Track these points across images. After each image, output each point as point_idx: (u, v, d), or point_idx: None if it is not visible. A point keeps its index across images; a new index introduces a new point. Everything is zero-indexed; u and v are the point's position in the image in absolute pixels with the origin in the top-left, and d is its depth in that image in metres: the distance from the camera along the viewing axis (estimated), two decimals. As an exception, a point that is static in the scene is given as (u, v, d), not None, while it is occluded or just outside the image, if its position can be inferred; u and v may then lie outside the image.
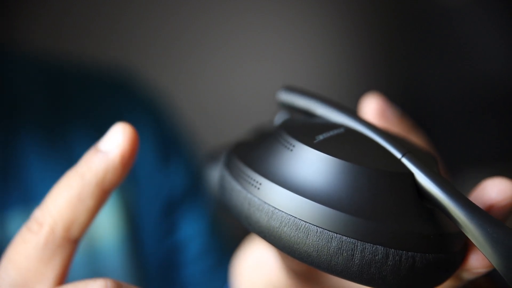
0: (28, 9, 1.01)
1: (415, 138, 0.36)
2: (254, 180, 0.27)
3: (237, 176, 0.28)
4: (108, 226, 0.57)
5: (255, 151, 0.29)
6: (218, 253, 0.64)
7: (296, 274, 0.34)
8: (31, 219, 0.30)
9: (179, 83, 1.13)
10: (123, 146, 0.30)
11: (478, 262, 0.27)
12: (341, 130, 0.29)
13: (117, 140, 0.30)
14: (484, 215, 0.25)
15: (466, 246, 0.28)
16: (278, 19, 1.25)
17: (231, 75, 1.22)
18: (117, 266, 0.57)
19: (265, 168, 0.28)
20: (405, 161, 0.27)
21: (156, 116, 0.66)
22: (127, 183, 0.60)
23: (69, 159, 0.57)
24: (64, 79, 0.63)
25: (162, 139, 0.64)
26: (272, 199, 0.27)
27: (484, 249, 0.25)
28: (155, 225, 0.61)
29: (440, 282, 0.27)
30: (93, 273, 0.55)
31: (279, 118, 0.34)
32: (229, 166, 0.29)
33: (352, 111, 0.30)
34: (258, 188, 0.27)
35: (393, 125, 0.35)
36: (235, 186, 0.28)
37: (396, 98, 1.32)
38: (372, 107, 0.35)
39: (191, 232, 0.63)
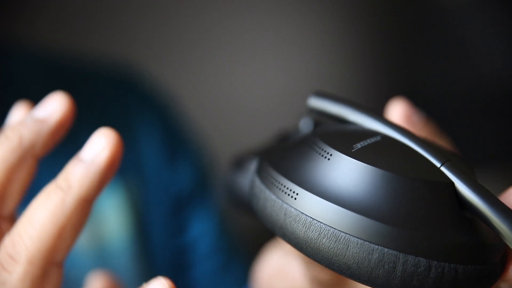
0: (32, 6, 1.01)
1: (442, 144, 0.35)
2: (290, 190, 0.27)
3: (271, 185, 0.28)
4: (116, 226, 0.57)
5: (289, 159, 0.28)
6: (227, 252, 0.63)
7: (320, 284, 0.34)
8: (2, 251, 0.27)
9: (185, 80, 1.13)
10: (108, 150, 0.29)
11: None
12: (378, 138, 0.28)
13: (101, 147, 0.29)
14: None
15: (505, 257, 0.27)
16: (284, 20, 1.25)
17: (238, 74, 1.22)
18: (126, 265, 0.56)
19: (301, 178, 0.27)
20: (444, 170, 0.27)
21: (163, 114, 0.66)
22: (134, 182, 0.59)
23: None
24: (69, 76, 0.63)
25: (169, 137, 0.64)
26: (310, 209, 0.26)
27: None
28: (163, 224, 0.61)
29: None
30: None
31: (304, 123, 0.34)
32: (262, 175, 0.29)
33: (386, 118, 0.30)
34: (295, 198, 0.26)
35: (419, 130, 0.35)
36: (269, 196, 0.27)
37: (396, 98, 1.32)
38: (398, 112, 0.34)
39: (200, 231, 0.62)
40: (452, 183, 0.26)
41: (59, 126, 0.30)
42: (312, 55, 1.29)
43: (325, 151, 0.27)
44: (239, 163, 0.38)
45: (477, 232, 0.26)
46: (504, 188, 0.29)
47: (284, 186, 0.27)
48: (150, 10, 1.13)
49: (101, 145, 0.29)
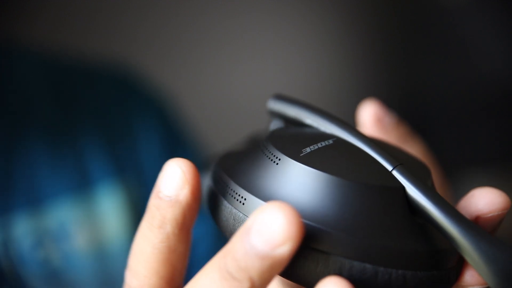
0: (32, 6, 1.01)
1: (412, 145, 0.35)
2: (239, 194, 0.26)
3: (223, 189, 0.27)
4: (116, 227, 0.57)
5: (241, 163, 0.28)
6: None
7: (291, 286, 0.34)
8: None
9: (185, 82, 1.13)
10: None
11: (473, 279, 0.26)
12: (330, 141, 0.28)
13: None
14: (479, 232, 0.24)
15: (461, 262, 0.27)
16: (284, 20, 1.25)
17: (237, 75, 1.22)
18: (125, 266, 0.57)
19: (250, 182, 0.26)
20: (396, 174, 0.26)
21: (163, 115, 0.66)
22: (134, 183, 0.60)
23: (76, 159, 0.57)
24: (70, 78, 0.63)
25: (168, 138, 0.64)
26: None
27: (478, 266, 0.24)
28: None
29: None
30: (103, 275, 0.55)
31: (274, 126, 0.33)
32: (216, 179, 0.28)
33: (342, 121, 0.29)
34: (243, 203, 0.26)
35: (390, 131, 0.35)
36: (220, 200, 0.27)
37: (396, 98, 1.33)
38: (369, 114, 0.34)
39: (199, 232, 0.63)
40: (403, 188, 0.26)
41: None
42: (312, 55, 1.29)
43: (274, 156, 0.27)
44: (206, 165, 0.37)
45: (428, 238, 0.26)
46: (504, 188, 0.29)
47: (233, 191, 0.27)
48: (149, 11, 1.13)
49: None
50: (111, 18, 1.09)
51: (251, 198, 0.26)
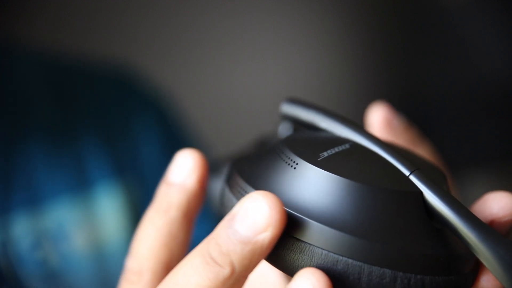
0: (32, 6, 1.01)
1: (421, 149, 0.35)
2: None
3: (238, 194, 0.27)
4: (115, 227, 0.57)
5: (257, 168, 0.28)
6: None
7: None
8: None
9: (184, 82, 1.13)
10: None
11: (489, 283, 0.27)
12: (347, 146, 0.28)
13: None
14: (496, 236, 0.24)
15: (477, 267, 0.27)
16: (284, 20, 1.25)
17: (237, 75, 1.22)
18: (124, 266, 0.56)
19: (266, 187, 0.26)
20: (413, 178, 0.26)
21: (162, 116, 0.66)
22: (133, 183, 0.60)
23: (76, 159, 0.57)
24: (70, 78, 0.63)
25: (168, 138, 0.64)
26: None
27: (495, 271, 0.24)
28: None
29: None
30: (101, 275, 0.55)
31: (283, 128, 0.34)
32: (230, 183, 0.28)
33: (358, 125, 0.29)
34: None
35: (400, 135, 0.34)
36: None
37: (396, 98, 1.33)
38: (378, 117, 0.34)
39: (199, 233, 0.62)
40: (421, 192, 0.26)
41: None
42: (313, 55, 1.29)
43: (291, 160, 0.27)
44: (213, 168, 0.37)
45: (445, 243, 0.26)
46: (504, 188, 0.29)
47: None
48: (149, 11, 1.13)
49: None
50: (111, 18, 1.09)
51: None
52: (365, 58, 1.34)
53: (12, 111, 0.57)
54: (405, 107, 1.35)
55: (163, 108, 0.67)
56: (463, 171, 1.22)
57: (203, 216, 0.63)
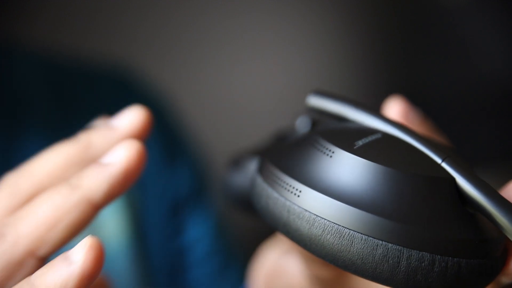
0: (32, 6, 1.01)
1: (441, 140, 0.35)
2: (293, 187, 0.27)
3: (274, 183, 0.28)
4: (113, 228, 0.57)
5: (291, 157, 0.28)
6: (224, 255, 0.63)
7: (321, 281, 0.34)
8: None
9: (184, 83, 1.13)
10: (130, 160, 0.28)
11: None
12: (379, 135, 0.29)
13: (122, 155, 0.28)
14: None
15: (506, 251, 0.28)
16: (284, 20, 1.25)
17: (237, 75, 1.22)
18: (123, 268, 0.56)
19: (303, 175, 0.27)
20: (445, 165, 0.27)
21: (161, 116, 0.65)
22: (132, 185, 0.59)
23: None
24: (69, 78, 0.63)
25: (167, 139, 0.64)
26: (313, 206, 0.26)
27: None
28: (161, 227, 0.61)
29: (483, 287, 0.27)
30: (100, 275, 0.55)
31: (301, 122, 0.34)
32: (264, 173, 0.29)
33: (385, 116, 0.30)
34: (298, 196, 0.27)
35: (416, 127, 0.35)
36: (272, 194, 0.28)
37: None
38: (395, 110, 0.34)
39: (197, 234, 0.62)
40: (453, 179, 0.27)
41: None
42: (312, 55, 1.29)
43: (327, 149, 0.27)
44: (236, 163, 0.38)
45: (479, 227, 0.27)
46: None
47: (287, 184, 0.27)
48: (149, 11, 1.13)
49: (123, 153, 0.28)
50: (110, 18, 1.09)
51: (306, 190, 0.27)
52: (365, 58, 1.34)
53: (11, 111, 0.57)
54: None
55: (162, 109, 0.66)
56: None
57: (198, 217, 0.63)
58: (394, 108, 0.34)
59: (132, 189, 0.59)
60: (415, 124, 0.34)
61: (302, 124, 0.33)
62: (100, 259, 0.26)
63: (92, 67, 0.66)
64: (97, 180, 0.27)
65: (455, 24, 1.31)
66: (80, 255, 0.26)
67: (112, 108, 0.62)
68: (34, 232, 0.27)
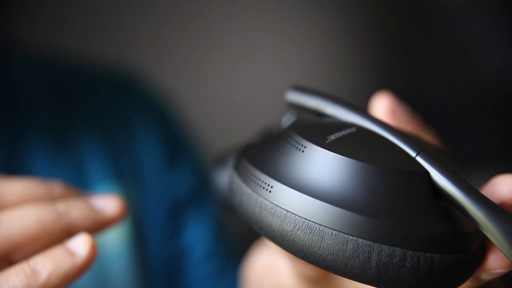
0: (32, 7, 1.01)
1: (427, 137, 0.35)
2: (265, 182, 0.27)
3: (247, 179, 0.28)
4: (113, 231, 0.57)
5: (265, 153, 0.28)
6: (223, 257, 0.63)
7: (308, 280, 0.34)
8: None
9: (185, 84, 1.13)
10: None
11: (497, 262, 0.27)
12: (353, 129, 0.28)
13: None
14: (504, 213, 0.24)
15: (484, 246, 0.27)
16: (284, 20, 1.25)
17: (237, 77, 1.22)
18: (122, 270, 0.56)
19: (276, 170, 0.27)
20: (420, 159, 0.27)
21: (163, 118, 0.65)
22: (132, 186, 0.59)
23: (75, 161, 0.56)
24: (70, 79, 0.63)
25: (168, 141, 0.63)
26: (284, 202, 0.26)
27: (503, 248, 0.24)
28: (160, 228, 0.61)
29: (459, 283, 0.26)
30: (99, 278, 0.55)
31: (287, 119, 0.34)
32: (239, 169, 0.29)
33: (363, 110, 0.30)
34: (270, 191, 0.26)
35: (404, 123, 0.34)
36: (245, 190, 0.27)
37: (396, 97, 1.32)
38: (382, 106, 0.34)
39: (196, 235, 0.62)
40: (427, 173, 0.26)
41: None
42: (312, 55, 1.29)
43: (299, 143, 0.27)
44: (220, 160, 0.38)
45: (453, 221, 0.26)
46: None
47: (259, 179, 0.27)
48: (149, 12, 1.13)
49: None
50: (111, 18, 1.09)
51: (278, 186, 0.26)
52: (365, 58, 1.34)
53: (12, 113, 0.57)
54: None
55: (163, 109, 0.66)
56: (463, 171, 1.22)
57: (197, 219, 0.63)
58: (381, 104, 0.34)
59: (132, 191, 0.59)
60: (403, 120, 0.34)
61: (287, 122, 0.33)
62: (95, 255, 0.31)
63: (93, 69, 0.65)
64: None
65: (455, 24, 1.31)
66: (84, 250, 0.30)
67: (113, 111, 0.62)
68: (16, 239, 0.31)
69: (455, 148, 1.34)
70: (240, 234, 0.70)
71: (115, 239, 0.57)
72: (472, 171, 1.25)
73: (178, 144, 0.64)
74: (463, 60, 1.32)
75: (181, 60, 1.16)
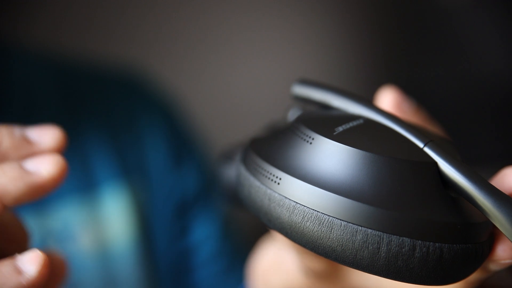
0: (36, 6, 1.01)
1: (434, 129, 0.35)
2: (274, 175, 0.27)
3: (255, 171, 0.28)
4: (120, 228, 0.57)
5: (273, 146, 0.28)
6: (230, 256, 0.63)
7: (315, 274, 0.34)
8: None
9: (191, 84, 1.13)
10: (54, 173, 0.30)
11: (506, 253, 0.27)
12: (360, 121, 0.28)
13: (50, 165, 0.30)
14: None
15: (492, 236, 0.27)
16: (287, 21, 1.25)
17: (242, 76, 1.22)
18: (129, 268, 0.56)
19: (284, 163, 0.27)
20: (427, 150, 0.27)
21: (169, 117, 0.65)
22: (139, 184, 0.59)
23: (82, 160, 0.56)
24: (77, 79, 0.63)
25: (174, 140, 0.63)
26: (293, 193, 0.26)
27: None
28: (167, 227, 0.61)
29: (468, 273, 0.26)
30: (106, 276, 0.55)
31: (293, 114, 0.34)
32: (246, 162, 0.29)
33: (370, 102, 0.30)
34: (278, 183, 0.26)
35: (410, 117, 0.35)
36: (253, 182, 0.27)
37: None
38: (388, 100, 0.34)
39: (203, 234, 0.62)
40: (435, 163, 0.26)
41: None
42: (313, 55, 1.29)
43: (307, 135, 0.27)
44: (227, 156, 0.38)
45: (462, 211, 0.26)
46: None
47: (267, 172, 0.27)
48: (156, 12, 1.13)
49: (50, 166, 0.30)
50: (116, 18, 1.09)
51: (286, 178, 0.26)
52: (365, 58, 1.34)
53: (19, 112, 0.57)
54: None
55: (169, 109, 0.66)
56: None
57: (204, 218, 0.63)
58: (387, 98, 0.34)
59: (139, 189, 0.59)
60: (409, 114, 0.34)
61: (293, 116, 0.33)
62: (47, 273, 0.28)
63: (100, 69, 0.65)
64: (15, 182, 0.29)
65: (455, 24, 1.31)
66: (33, 268, 0.27)
67: (119, 110, 0.62)
68: None
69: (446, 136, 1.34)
70: (247, 230, 0.70)
71: (123, 237, 0.57)
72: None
73: (184, 143, 0.65)
74: (463, 60, 1.32)
75: (186, 59, 1.16)
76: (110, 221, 0.56)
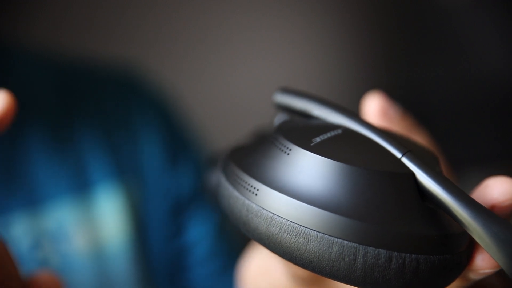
0: (35, 6, 1.01)
1: (418, 137, 0.35)
2: (251, 186, 0.27)
3: (234, 182, 0.28)
4: (115, 228, 0.57)
5: (252, 156, 0.28)
6: (225, 256, 0.63)
7: (301, 280, 0.34)
8: None
9: (188, 83, 1.13)
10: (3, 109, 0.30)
11: (484, 262, 0.27)
12: (339, 131, 0.28)
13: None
14: (489, 214, 0.24)
15: (471, 246, 0.27)
16: (286, 21, 1.25)
17: (240, 77, 1.22)
18: (124, 268, 0.56)
19: (262, 173, 0.27)
20: (405, 160, 0.27)
21: (165, 117, 0.65)
22: (134, 184, 0.60)
23: (76, 160, 0.57)
24: (73, 78, 0.63)
25: (170, 140, 0.64)
26: (270, 205, 0.26)
27: (489, 248, 0.24)
28: (162, 227, 0.61)
29: (446, 284, 0.26)
30: (101, 276, 0.55)
31: (279, 119, 0.34)
32: (226, 172, 0.29)
33: (350, 111, 0.30)
34: (256, 194, 0.26)
35: (396, 123, 0.34)
36: (232, 193, 0.28)
37: (395, 98, 1.33)
38: (374, 106, 0.34)
39: (198, 234, 0.62)
40: (413, 174, 0.26)
41: None
42: (312, 55, 1.29)
43: (285, 146, 0.27)
44: (212, 162, 0.38)
45: (439, 222, 0.26)
46: None
47: (246, 182, 0.27)
48: (153, 11, 1.13)
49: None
50: (114, 18, 1.09)
51: (264, 189, 0.26)
52: (364, 58, 1.34)
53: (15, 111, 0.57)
54: (404, 107, 1.34)
55: (165, 108, 0.66)
56: (462, 171, 1.22)
57: (199, 217, 0.63)
58: (373, 104, 0.34)
59: (134, 189, 0.59)
60: (395, 120, 0.34)
61: (279, 121, 0.33)
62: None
63: (96, 68, 0.66)
64: None
65: (455, 24, 1.31)
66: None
67: (115, 108, 0.62)
68: None
69: (454, 148, 1.34)
70: (242, 233, 0.70)
71: (117, 237, 0.57)
72: (470, 171, 1.25)
73: (180, 143, 0.65)
74: (463, 60, 1.32)
75: (183, 60, 1.16)
76: (104, 221, 0.56)
